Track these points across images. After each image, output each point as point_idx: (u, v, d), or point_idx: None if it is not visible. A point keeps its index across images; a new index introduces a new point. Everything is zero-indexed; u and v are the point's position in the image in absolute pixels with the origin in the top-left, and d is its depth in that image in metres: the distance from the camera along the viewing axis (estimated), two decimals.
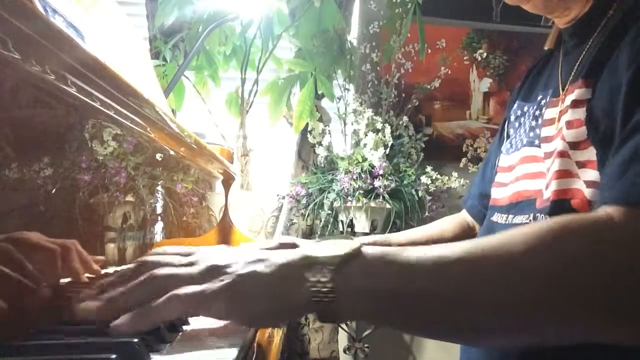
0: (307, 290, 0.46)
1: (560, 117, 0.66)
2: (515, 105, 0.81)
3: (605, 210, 0.47)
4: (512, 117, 0.81)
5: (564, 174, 0.62)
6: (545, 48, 0.80)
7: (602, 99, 0.59)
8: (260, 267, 0.48)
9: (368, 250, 0.48)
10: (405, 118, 1.94)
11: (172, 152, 0.84)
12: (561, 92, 0.68)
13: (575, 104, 0.62)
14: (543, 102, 0.72)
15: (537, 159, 0.69)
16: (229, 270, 0.48)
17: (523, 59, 2.12)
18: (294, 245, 0.79)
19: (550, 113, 0.69)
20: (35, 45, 0.43)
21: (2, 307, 0.41)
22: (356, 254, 0.48)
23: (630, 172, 0.49)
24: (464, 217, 0.96)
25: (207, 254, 0.51)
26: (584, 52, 0.66)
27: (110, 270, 0.64)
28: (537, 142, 0.70)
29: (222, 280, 0.47)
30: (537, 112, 0.72)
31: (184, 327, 0.53)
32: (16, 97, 0.45)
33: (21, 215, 0.46)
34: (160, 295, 0.46)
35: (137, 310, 0.45)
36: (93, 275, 0.58)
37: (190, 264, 0.50)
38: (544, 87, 0.74)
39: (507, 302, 0.45)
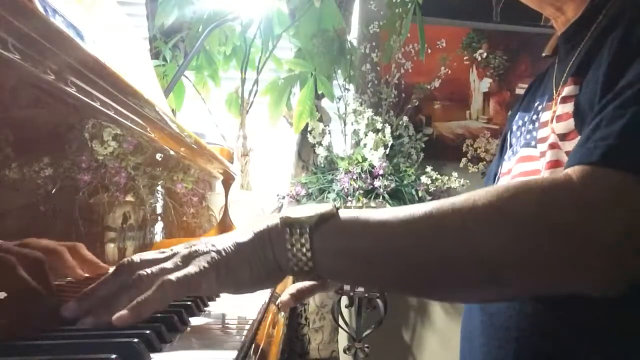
0: (287, 251, 0.50)
1: (553, 116, 0.69)
2: (517, 117, 0.84)
3: (566, 172, 0.50)
4: (514, 128, 0.83)
5: (555, 164, 0.64)
6: (543, 55, 0.83)
7: (587, 92, 0.61)
8: (239, 238, 0.52)
9: (343, 211, 0.52)
10: (405, 118, 1.94)
11: (172, 152, 0.84)
12: (554, 95, 0.71)
13: (564, 100, 0.65)
14: (540, 107, 0.75)
15: (533, 158, 0.71)
16: (210, 248, 0.51)
17: (523, 59, 2.12)
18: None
19: (545, 116, 0.72)
20: (35, 45, 0.43)
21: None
22: (331, 214, 0.51)
23: (592, 138, 0.51)
24: None
25: (184, 245, 0.54)
26: (575, 55, 0.69)
27: (110, 270, 0.64)
28: (533, 143, 0.72)
29: (206, 259, 0.50)
30: (535, 117, 0.75)
31: (184, 327, 0.53)
32: (16, 97, 0.45)
33: (21, 215, 0.46)
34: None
35: (136, 300, 0.47)
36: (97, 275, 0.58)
37: (172, 255, 0.52)
38: (541, 94, 0.78)
39: (467, 257, 0.48)
